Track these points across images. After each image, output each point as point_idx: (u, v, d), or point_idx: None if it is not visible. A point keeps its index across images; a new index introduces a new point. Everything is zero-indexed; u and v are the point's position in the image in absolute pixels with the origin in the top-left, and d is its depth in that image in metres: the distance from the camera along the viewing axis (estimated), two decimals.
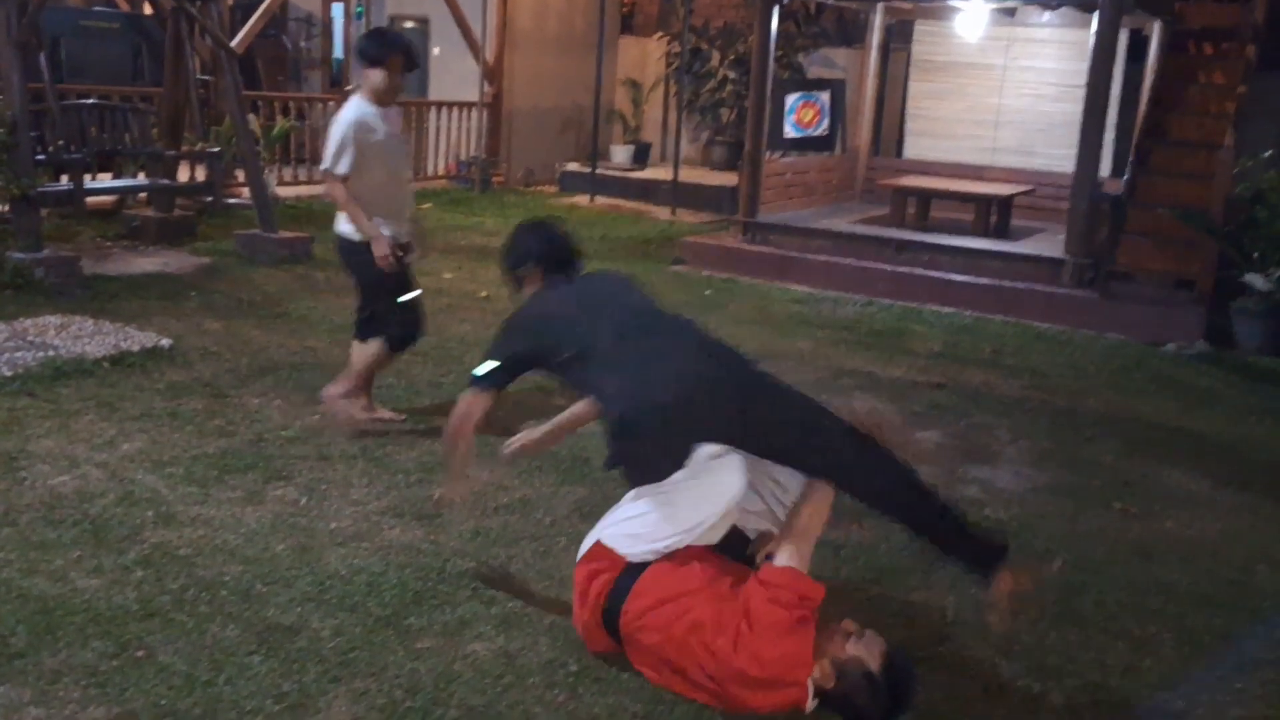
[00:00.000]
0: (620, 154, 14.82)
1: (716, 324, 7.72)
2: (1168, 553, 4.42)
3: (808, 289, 9.10)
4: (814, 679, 2.99)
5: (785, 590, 3.03)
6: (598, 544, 3.27)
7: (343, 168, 4.90)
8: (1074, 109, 9.37)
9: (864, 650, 2.98)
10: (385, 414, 5.24)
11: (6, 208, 7.34)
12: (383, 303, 5.14)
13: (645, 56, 15.49)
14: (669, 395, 3.09)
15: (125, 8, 14.06)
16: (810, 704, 3.00)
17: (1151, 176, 8.96)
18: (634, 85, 15.43)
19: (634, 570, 3.18)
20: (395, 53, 4.91)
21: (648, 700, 3.11)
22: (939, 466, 5.19)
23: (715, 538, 3.26)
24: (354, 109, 4.95)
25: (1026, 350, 7.60)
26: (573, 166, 14.50)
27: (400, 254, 5.05)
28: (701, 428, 3.12)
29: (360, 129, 4.90)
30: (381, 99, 4.97)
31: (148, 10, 12.85)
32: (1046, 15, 10.75)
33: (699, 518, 3.14)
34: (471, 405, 3.40)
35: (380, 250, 4.94)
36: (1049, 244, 9.34)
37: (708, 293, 8.82)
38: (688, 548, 3.18)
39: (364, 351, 5.20)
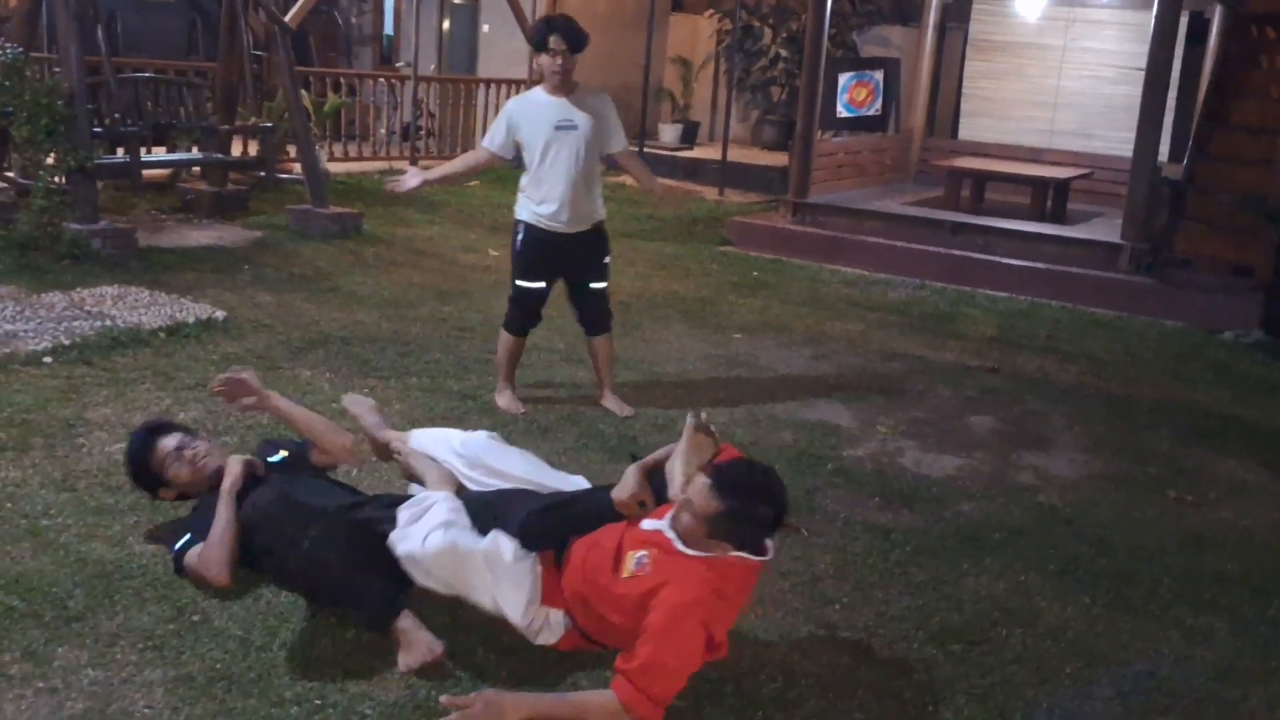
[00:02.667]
0: (668, 133, 14.77)
1: (765, 305, 7.72)
2: (1222, 542, 4.35)
3: (858, 271, 9.02)
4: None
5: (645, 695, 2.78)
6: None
7: (485, 139, 5.18)
8: (1133, 91, 9.20)
9: (704, 504, 2.83)
10: (503, 402, 5.24)
11: (64, 179, 7.43)
12: (512, 279, 5.23)
13: (696, 34, 15.40)
14: None
15: None
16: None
17: (1211, 162, 8.79)
18: (684, 63, 15.35)
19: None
20: (551, 34, 4.90)
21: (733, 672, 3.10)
22: (992, 452, 5.16)
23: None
24: (523, 94, 5.20)
25: (1082, 336, 7.49)
26: None
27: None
28: None
29: (514, 112, 5.05)
30: (551, 84, 5.00)
31: None
32: None
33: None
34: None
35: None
36: (1106, 229, 9.20)
37: (756, 274, 8.78)
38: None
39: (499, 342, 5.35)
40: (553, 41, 4.87)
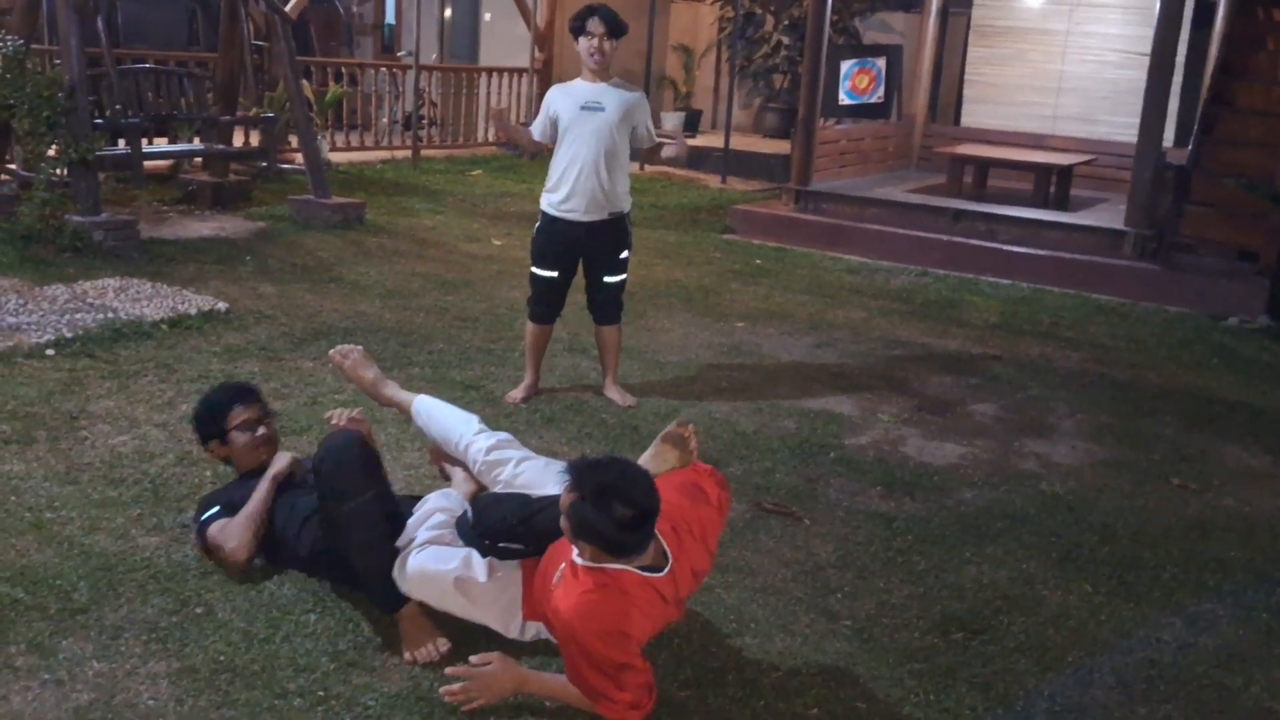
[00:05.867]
0: (671, 121, 14.72)
1: (767, 293, 7.71)
2: (1226, 529, 4.35)
3: (861, 259, 9.01)
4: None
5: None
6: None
7: (534, 123, 5.23)
8: (1138, 75, 9.16)
9: (564, 498, 2.74)
10: (515, 393, 5.23)
11: (66, 172, 7.43)
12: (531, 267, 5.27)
13: (697, 21, 15.34)
14: None
15: None
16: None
17: (1217, 145, 8.74)
18: (685, 50, 15.30)
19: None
20: (591, 17, 4.92)
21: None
22: (995, 440, 5.15)
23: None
24: (565, 83, 5.19)
25: (1085, 322, 7.48)
26: None
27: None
28: None
29: (550, 97, 5.10)
30: (589, 70, 5.01)
31: None
32: None
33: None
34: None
35: None
36: (1110, 215, 9.17)
37: (758, 262, 8.77)
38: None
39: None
40: (591, 24, 4.90)
